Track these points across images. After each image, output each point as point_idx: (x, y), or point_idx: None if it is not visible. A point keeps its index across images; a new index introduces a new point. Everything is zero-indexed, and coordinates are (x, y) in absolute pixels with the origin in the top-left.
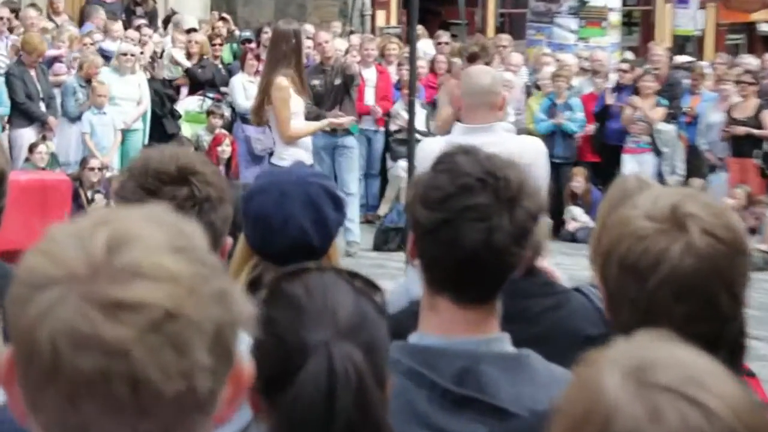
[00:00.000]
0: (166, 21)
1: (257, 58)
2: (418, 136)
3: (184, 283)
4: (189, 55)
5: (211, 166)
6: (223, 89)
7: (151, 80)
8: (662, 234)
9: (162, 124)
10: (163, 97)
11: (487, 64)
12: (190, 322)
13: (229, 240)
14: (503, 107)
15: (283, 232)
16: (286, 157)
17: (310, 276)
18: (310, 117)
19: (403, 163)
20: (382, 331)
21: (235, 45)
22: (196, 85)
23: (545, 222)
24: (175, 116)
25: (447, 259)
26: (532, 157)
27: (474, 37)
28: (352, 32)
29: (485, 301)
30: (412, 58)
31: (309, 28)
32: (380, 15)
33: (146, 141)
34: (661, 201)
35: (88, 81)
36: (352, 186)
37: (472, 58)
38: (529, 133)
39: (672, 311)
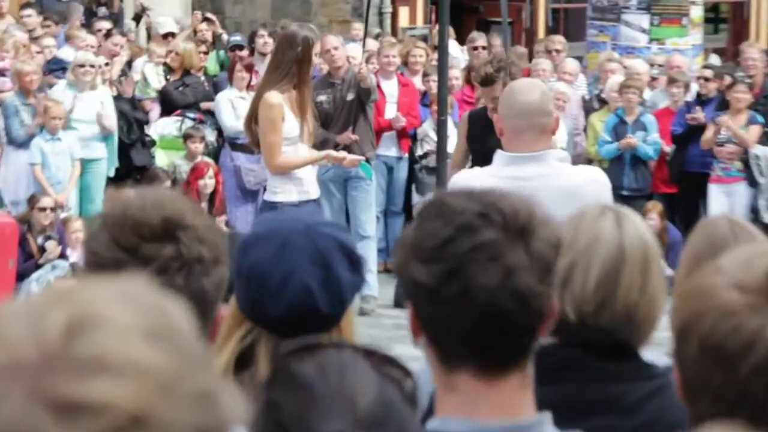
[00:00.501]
0: (137, 19)
1: (249, 68)
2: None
3: (157, 379)
4: (169, 70)
5: (205, 218)
6: (205, 105)
7: (117, 98)
8: (757, 310)
9: (129, 155)
10: (131, 121)
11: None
12: (162, 429)
13: (224, 308)
14: (555, 130)
15: (282, 292)
16: (281, 191)
17: (323, 354)
18: (317, 142)
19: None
20: (410, 423)
21: (222, 52)
22: (172, 105)
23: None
24: (146, 144)
25: (460, 321)
26: (593, 193)
27: (493, 55)
28: (378, 35)
29: (515, 366)
30: (443, 67)
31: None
32: (403, 13)
33: (111, 173)
34: (757, 264)
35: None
36: (369, 227)
37: (486, 82)
38: (590, 159)
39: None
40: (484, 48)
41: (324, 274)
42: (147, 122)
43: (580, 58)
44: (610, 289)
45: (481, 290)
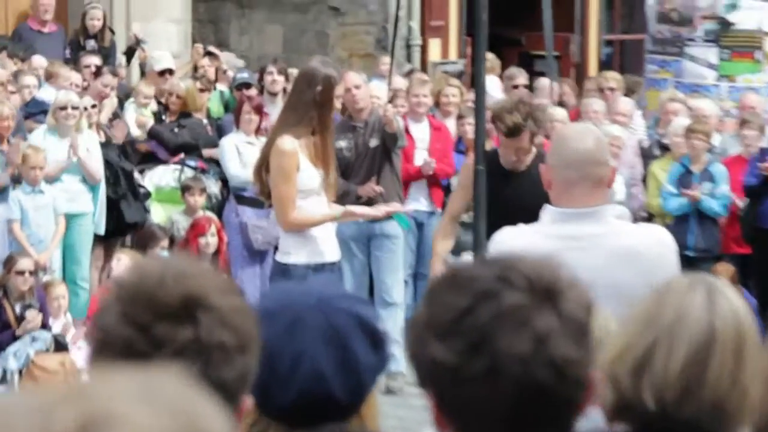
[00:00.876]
0: (129, 53)
1: (258, 110)
2: None
3: None
4: (166, 111)
5: (235, 298)
6: (208, 152)
7: (105, 145)
8: None
9: (120, 209)
10: (117, 172)
11: (533, 135)
12: None
13: (248, 401)
14: (612, 182)
15: (292, 376)
16: (294, 252)
17: None
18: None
19: (467, 258)
20: None
21: (227, 92)
22: (166, 148)
23: None
24: (139, 197)
25: (491, 402)
26: (656, 255)
27: (515, 100)
28: (410, 72)
29: None
30: (480, 108)
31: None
32: (434, 46)
33: (101, 230)
34: None
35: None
36: (396, 292)
37: (513, 133)
38: (650, 215)
39: None
40: (525, 87)
41: (339, 356)
42: (141, 171)
43: (638, 97)
44: (698, 374)
45: (512, 362)
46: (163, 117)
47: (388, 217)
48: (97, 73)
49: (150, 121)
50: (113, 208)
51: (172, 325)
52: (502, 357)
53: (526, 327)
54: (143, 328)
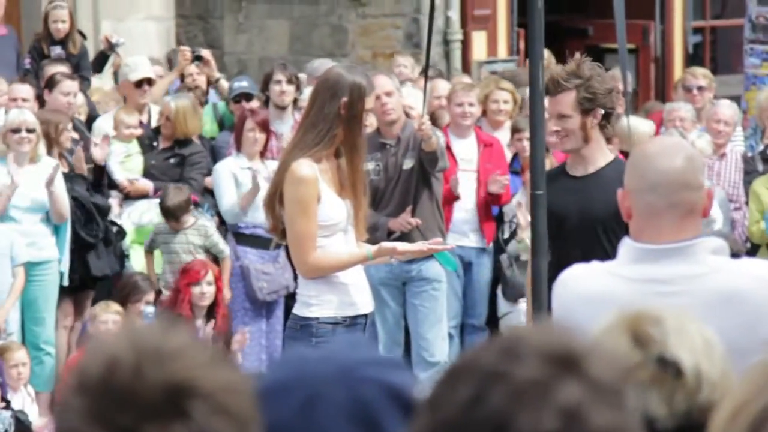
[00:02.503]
0: (101, 60)
1: (264, 127)
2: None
3: None
4: (157, 135)
5: (227, 373)
6: (206, 182)
7: (72, 177)
8: None
9: (85, 259)
10: (91, 210)
11: (586, 111)
12: None
13: None
14: (708, 210)
15: None
16: (317, 303)
17: None
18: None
19: (526, 305)
20: None
21: (222, 105)
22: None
23: None
24: (110, 241)
25: None
26: (763, 298)
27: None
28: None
29: None
30: (537, 118)
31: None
32: (478, 41)
33: (65, 281)
34: None
35: None
36: (438, 349)
37: (552, 90)
38: (754, 245)
39: None
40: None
41: None
42: (109, 209)
43: (736, 99)
44: None
45: None
46: (155, 144)
47: (430, 257)
48: (47, 83)
49: (140, 184)
50: (78, 256)
51: (159, 424)
52: None
53: (549, 402)
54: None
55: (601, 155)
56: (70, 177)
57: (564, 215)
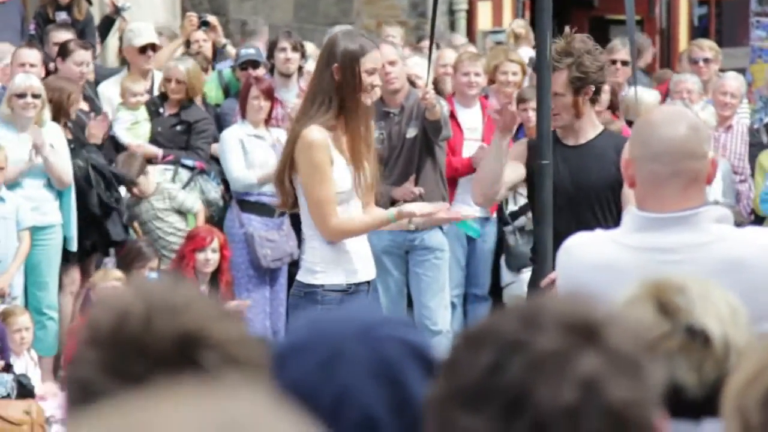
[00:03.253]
0: (105, 26)
1: (269, 95)
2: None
3: None
4: (164, 101)
5: (237, 325)
6: (212, 149)
7: (81, 146)
8: None
9: (102, 224)
10: (110, 179)
11: (577, 89)
12: None
13: None
14: (712, 178)
15: (334, 421)
16: (322, 271)
17: None
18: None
19: (529, 275)
20: None
21: (227, 72)
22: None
23: None
24: (120, 212)
25: None
26: (766, 267)
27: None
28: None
29: None
30: (544, 89)
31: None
32: (483, 11)
33: (73, 246)
34: None
35: None
36: (441, 318)
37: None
38: (759, 217)
39: None
40: (624, 63)
41: (392, 394)
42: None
43: (741, 71)
44: None
45: (559, 417)
46: (161, 110)
47: (446, 224)
48: (60, 51)
49: (149, 148)
50: (96, 224)
51: (169, 372)
52: (546, 413)
53: (568, 373)
54: (135, 380)
55: (591, 127)
56: (86, 147)
57: (557, 183)
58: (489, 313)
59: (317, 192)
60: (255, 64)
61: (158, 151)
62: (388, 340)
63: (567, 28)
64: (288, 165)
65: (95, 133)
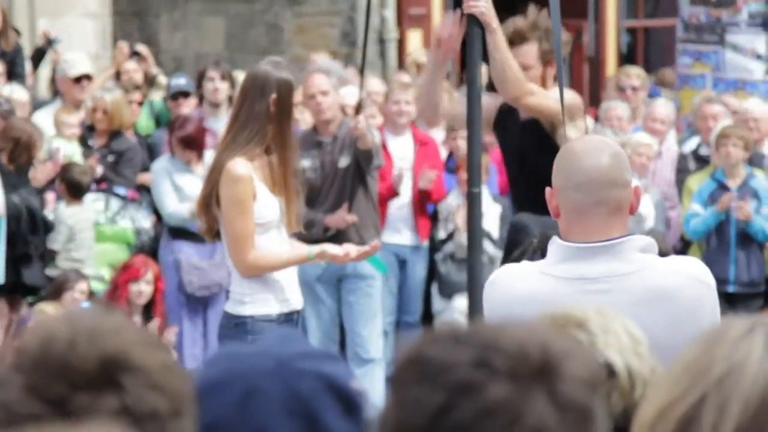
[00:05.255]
0: (38, 56)
1: (188, 143)
2: (488, 250)
3: None
4: (91, 132)
5: (161, 353)
6: (141, 178)
7: (17, 184)
8: None
9: (23, 265)
10: (38, 222)
11: (547, 61)
12: None
13: None
14: (636, 207)
15: None
16: (251, 301)
17: None
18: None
19: (461, 303)
20: None
21: (157, 103)
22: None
23: None
24: (44, 254)
25: None
26: (692, 297)
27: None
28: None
29: None
30: (473, 117)
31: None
32: (413, 39)
33: (1, 279)
34: None
35: None
36: (373, 346)
37: (515, 40)
38: (686, 242)
39: None
40: None
41: (306, 429)
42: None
43: (670, 98)
44: None
45: None
46: (89, 142)
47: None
48: None
49: (98, 171)
50: (14, 263)
51: (91, 394)
52: None
53: (517, 424)
54: (57, 402)
55: (554, 100)
56: (24, 185)
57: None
58: (445, 338)
59: (235, 226)
60: (185, 94)
61: (98, 169)
62: (305, 374)
63: (531, 6)
64: (212, 195)
65: (41, 178)
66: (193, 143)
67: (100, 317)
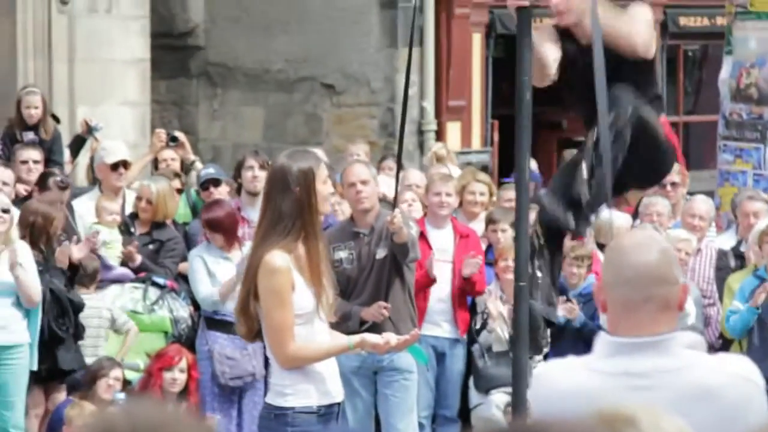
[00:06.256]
0: (77, 144)
1: (223, 227)
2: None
3: None
4: (134, 219)
5: None
6: (182, 267)
7: (50, 268)
8: None
9: (57, 348)
10: (65, 304)
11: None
12: None
13: None
14: (683, 304)
15: None
16: (292, 393)
17: None
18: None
19: (501, 398)
20: None
21: (193, 191)
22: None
23: None
24: (80, 335)
25: None
26: (738, 395)
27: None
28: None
29: None
30: (522, 211)
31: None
32: (452, 131)
33: (34, 365)
34: None
35: None
36: None
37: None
38: (727, 340)
39: None
40: None
41: None
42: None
43: (708, 194)
44: None
45: None
46: (132, 229)
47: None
48: (40, 182)
49: (137, 258)
50: (48, 349)
51: None
52: None
53: None
54: None
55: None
56: (49, 268)
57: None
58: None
59: (275, 318)
60: (216, 182)
61: (137, 257)
62: None
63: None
64: (251, 293)
65: (62, 259)
66: (220, 226)
67: (155, 409)
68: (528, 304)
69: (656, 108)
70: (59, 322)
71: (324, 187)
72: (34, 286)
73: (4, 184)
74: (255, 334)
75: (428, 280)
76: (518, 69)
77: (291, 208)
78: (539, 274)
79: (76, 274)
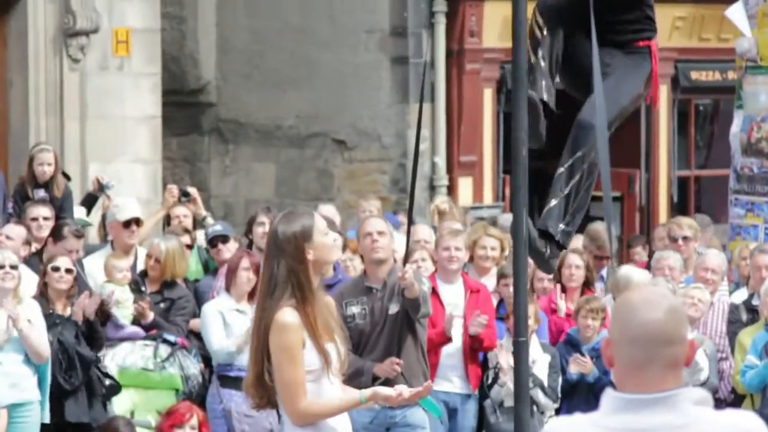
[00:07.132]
0: (89, 202)
1: (258, 269)
2: (539, 399)
3: None
4: (144, 278)
5: None
6: (193, 324)
7: (63, 321)
8: None
9: (66, 401)
10: (73, 358)
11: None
12: None
13: None
14: (690, 361)
15: None
16: None
17: None
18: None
19: None
20: None
21: (204, 248)
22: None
23: None
24: (95, 393)
25: None
26: None
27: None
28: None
29: None
30: (520, 267)
31: (329, 210)
32: (464, 186)
33: (46, 419)
34: None
35: None
36: None
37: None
38: (739, 396)
39: None
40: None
41: None
42: (96, 361)
43: (722, 248)
44: None
45: None
46: (143, 288)
47: (413, 402)
48: (54, 233)
49: (150, 315)
50: (56, 402)
51: None
52: None
53: None
54: None
55: None
56: (62, 321)
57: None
58: None
59: (286, 374)
60: (224, 238)
61: (149, 314)
62: None
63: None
64: (265, 357)
65: (78, 311)
66: (259, 271)
67: None
68: (527, 360)
69: (647, 30)
70: (66, 375)
71: (326, 238)
72: (41, 342)
73: (8, 238)
74: (267, 403)
75: (444, 339)
76: (513, 125)
77: (288, 273)
78: (543, 63)
79: (90, 329)
